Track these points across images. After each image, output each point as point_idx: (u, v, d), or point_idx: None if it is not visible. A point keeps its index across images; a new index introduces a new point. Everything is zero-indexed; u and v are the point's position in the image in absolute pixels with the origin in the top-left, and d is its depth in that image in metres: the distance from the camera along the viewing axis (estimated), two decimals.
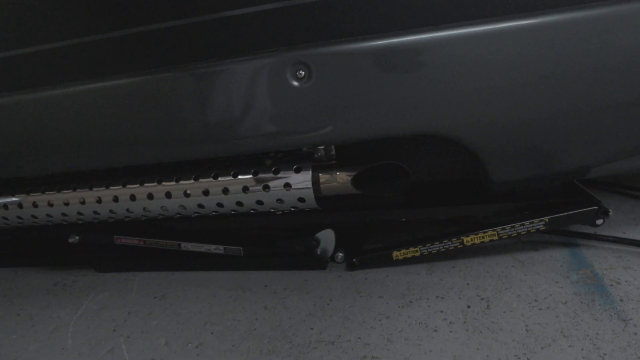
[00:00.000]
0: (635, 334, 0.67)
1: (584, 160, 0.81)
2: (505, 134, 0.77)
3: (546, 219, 0.86)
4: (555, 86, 0.73)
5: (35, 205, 1.00)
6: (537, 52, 0.71)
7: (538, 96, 0.73)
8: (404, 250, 0.92)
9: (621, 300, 0.75)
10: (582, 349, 0.65)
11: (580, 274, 0.84)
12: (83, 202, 0.96)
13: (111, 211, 0.96)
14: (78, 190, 0.96)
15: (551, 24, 0.70)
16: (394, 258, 0.92)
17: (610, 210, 0.85)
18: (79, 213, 0.98)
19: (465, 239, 0.89)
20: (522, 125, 0.76)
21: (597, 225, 0.86)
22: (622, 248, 0.91)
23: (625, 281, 0.80)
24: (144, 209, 0.94)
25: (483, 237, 0.88)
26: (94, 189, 0.95)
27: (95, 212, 0.97)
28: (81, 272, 1.11)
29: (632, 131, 0.79)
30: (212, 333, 0.80)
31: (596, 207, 0.85)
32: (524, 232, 0.87)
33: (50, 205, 0.98)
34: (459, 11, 0.70)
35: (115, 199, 0.94)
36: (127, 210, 0.95)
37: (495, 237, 0.88)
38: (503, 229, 0.87)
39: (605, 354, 0.64)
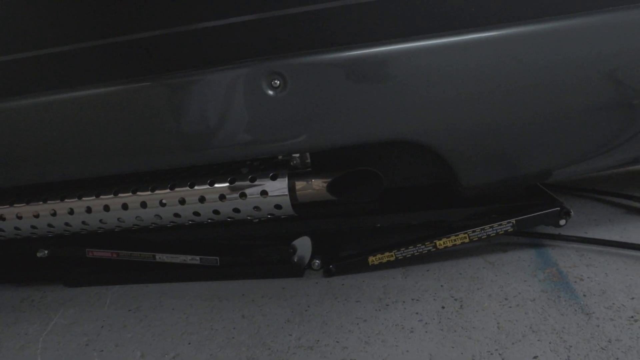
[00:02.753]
0: (598, 326, 0.71)
1: (547, 164, 0.86)
2: (472, 139, 0.80)
3: (513, 220, 0.90)
4: (518, 94, 0.77)
5: (2, 218, 0.97)
6: (501, 62, 0.75)
7: (502, 104, 0.78)
8: (379, 255, 0.94)
9: (584, 295, 0.79)
10: (549, 343, 0.68)
11: (547, 273, 0.88)
12: (54, 214, 0.94)
13: (84, 222, 0.94)
14: (49, 201, 0.94)
15: (512, 36, 0.75)
16: (370, 263, 0.94)
17: (571, 211, 0.89)
18: (50, 225, 0.96)
19: (438, 243, 0.91)
20: (489, 132, 0.80)
21: (560, 226, 0.91)
22: (584, 247, 0.96)
23: (588, 277, 0.85)
24: (118, 219, 0.93)
25: (455, 240, 0.91)
26: (66, 200, 0.93)
27: (66, 224, 0.95)
28: (50, 287, 1.08)
29: (589, 136, 0.84)
30: (189, 343, 0.79)
31: (559, 209, 0.90)
32: (493, 234, 0.90)
33: (19, 217, 0.96)
34: (428, 23, 0.74)
35: (89, 210, 0.92)
36: (101, 221, 0.93)
37: (467, 240, 0.91)
38: (473, 231, 0.90)
39: (571, 346, 0.67)
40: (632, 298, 0.77)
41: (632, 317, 0.72)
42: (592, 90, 0.79)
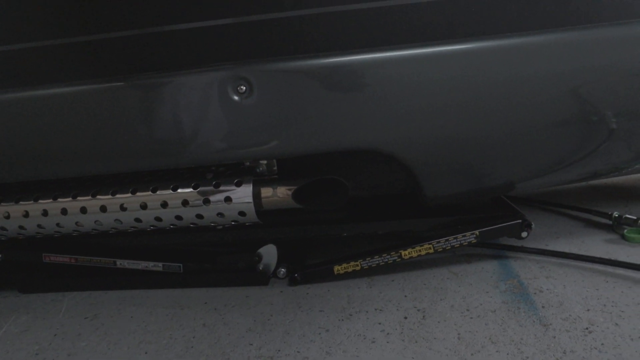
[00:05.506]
0: (554, 337, 0.72)
1: (509, 177, 0.88)
2: (436, 151, 0.81)
3: (477, 232, 0.91)
4: (482, 108, 0.79)
5: None
6: (466, 75, 0.77)
7: (466, 116, 0.79)
8: (345, 265, 0.93)
9: (543, 307, 0.81)
10: (507, 354, 0.69)
11: (508, 284, 0.89)
12: (7, 217, 0.90)
13: (39, 226, 0.90)
14: (2, 204, 0.90)
15: (479, 50, 0.76)
16: (336, 272, 0.94)
17: (533, 223, 0.91)
18: (2, 228, 0.92)
19: (403, 253, 0.92)
20: (453, 143, 0.81)
21: (522, 238, 0.93)
22: (545, 259, 0.98)
23: (547, 289, 0.86)
24: (76, 223, 0.89)
25: (420, 251, 0.92)
26: (21, 202, 0.90)
27: (21, 227, 0.91)
28: (2, 293, 1.03)
29: (551, 151, 0.86)
30: (146, 353, 0.77)
31: (521, 221, 0.92)
32: (458, 245, 0.91)
33: None
34: (396, 34, 0.74)
35: (45, 213, 0.89)
36: (58, 225, 0.90)
37: (431, 251, 0.91)
38: (438, 242, 0.91)
39: (527, 357, 0.68)
40: (588, 310, 0.78)
41: (586, 328, 0.74)
42: (554, 106, 0.81)
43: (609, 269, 0.91)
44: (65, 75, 0.77)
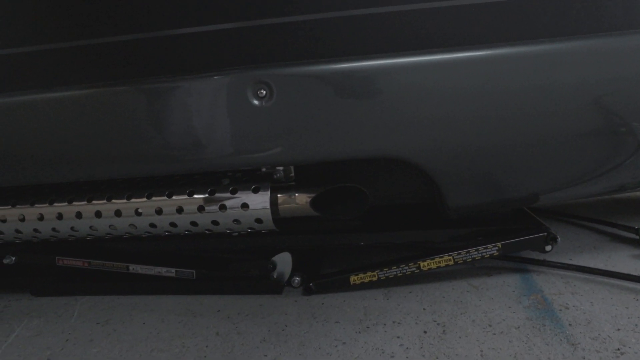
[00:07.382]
0: (584, 357, 0.69)
1: (534, 188, 0.85)
2: (461, 160, 0.79)
3: (499, 244, 0.88)
4: (507, 116, 0.76)
5: None
6: (491, 83, 0.74)
7: (492, 125, 0.76)
8: (361, 275, 0.91)
9: (570, 324, 0.77)
10: None
11: (531, 299, 0.86)
12: (23, 219, 0.89)
13: (54, 229, 0.90)
14: (17, 206, 0.90)
15: (503, 56, 0.74)
16: (352, 282, 0.91)
17: (558, 236, 0.88)
18: (17, 231, 0.91)
19: (422, 264, 0.89)
20: (478, 153, 0.78)
21: (546, 252, 0.90)
22: (569, 274, 0.95)
23: (573, 306, 0.83)
24: (90, 227, 0.88)
25: (439, 262, 0.89)
26: (36, 205, 0.89)
27: (35, 231, 0.90)
28: (15, 296, 1.02)
29: (577, 162, 0.83)
30: None
31: (545, 234, 0.88)
32: (479, 258, 0.88)
33: None
34: (419, 40, 0.72)
35: (60, 217, 0.88)
36: (72, 228, 0.89)
37: (451, 262, 0.88)
38: (458, 254, 0.88)
39: None
40: (618, 329, 0.75)
41: (618, 349, 0.70)
42: (580, 117, 0.78)
43: (639, 286, 0.87)
44: (87, 78, 0.76)
